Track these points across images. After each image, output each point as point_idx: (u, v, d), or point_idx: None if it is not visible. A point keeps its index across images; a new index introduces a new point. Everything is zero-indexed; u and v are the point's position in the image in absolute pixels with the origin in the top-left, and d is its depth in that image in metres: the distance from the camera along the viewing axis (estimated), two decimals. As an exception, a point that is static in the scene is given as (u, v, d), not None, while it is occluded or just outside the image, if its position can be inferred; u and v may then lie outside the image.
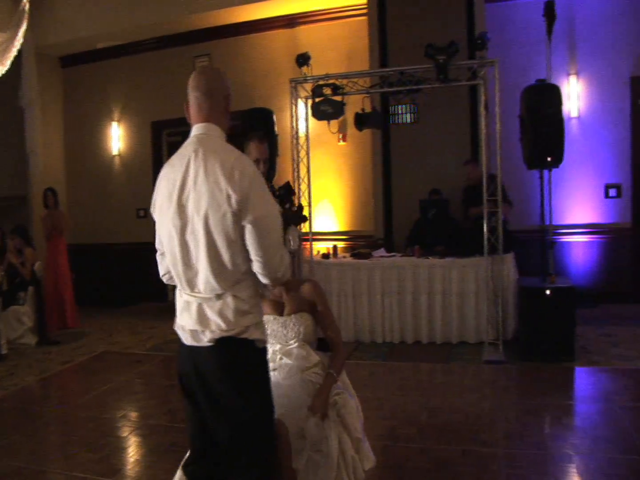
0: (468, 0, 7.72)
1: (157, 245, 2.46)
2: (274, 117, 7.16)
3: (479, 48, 6.10)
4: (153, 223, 2.40)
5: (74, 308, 8.69)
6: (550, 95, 5.99)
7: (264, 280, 2.27)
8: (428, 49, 6.10)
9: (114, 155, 10.34)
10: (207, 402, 2.31)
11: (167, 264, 2.39)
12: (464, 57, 6.90)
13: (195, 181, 2.21)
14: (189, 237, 2.24)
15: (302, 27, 9.13)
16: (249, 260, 2.24)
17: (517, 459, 3.88)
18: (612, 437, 4.17)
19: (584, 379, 5.65)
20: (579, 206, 8.03)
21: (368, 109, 7.00)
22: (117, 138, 10.31)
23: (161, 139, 10.21)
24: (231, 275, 2.22)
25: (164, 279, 2.53)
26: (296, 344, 3.03)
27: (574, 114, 7.85)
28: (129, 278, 10.07)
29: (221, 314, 2.23)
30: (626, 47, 7.86)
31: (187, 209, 2.22)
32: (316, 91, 6.78)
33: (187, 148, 2.30)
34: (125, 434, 4.64)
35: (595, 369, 5.68)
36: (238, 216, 2.15)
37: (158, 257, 2.49)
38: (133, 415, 5.13)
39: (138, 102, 10.17)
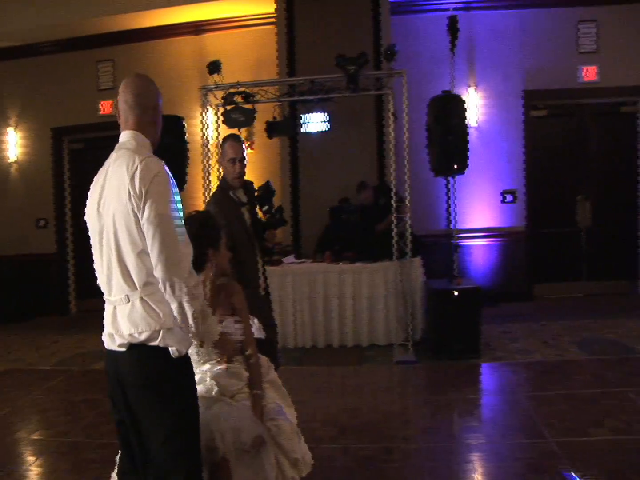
0: (375, 12, 7.97)
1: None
2: (184, 125, 7.10)
3: (388, 59, 6.31)
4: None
5: None
6: (456, 106, 6.32)
7: (159, 279, 2.17)
8: (338, 59, 6.27)
9: (11, 163, 9.87)
10: (125, 410, 2.28)
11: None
12: (370, 67, 7.11)
13: (109, 185, 2.25)
14: (104, 241, 2.27)
15: (210, 34, 9.12)
16: None
17: (436, 452, 4.09)
18: (519, 425, 4.49)
19: (490, 374, 5.98)
20: (478, 211, 8.46)
21: (278, 117, 7.08)
22: (14, 144, 9.86)
23: (62, 146, 9.86)
24: (138, 277, 2.20)
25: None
26: (221, 364, 2.86)
27: (473, 123, 8.26)
28: (25, 291, 9.64)
29: (130, 318, 2.20)
30: (520, 62, 8.43)
31: (102, 213, 2.27)
32: (227, 99, 6.81)
33: (111, 156, 2.35)
34: (41, 454, 4.44)
35: (500, 364, 6.03)
36: (137, 213, 2.16)
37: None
38: (47, 433, 4.88)
39: (37, 107, 9.76)
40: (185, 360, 2.30)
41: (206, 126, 7.31)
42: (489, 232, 8.54)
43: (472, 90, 8.43)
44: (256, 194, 4.21)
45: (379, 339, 6.84)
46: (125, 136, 2.36)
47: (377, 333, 6.85)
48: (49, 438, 4.76)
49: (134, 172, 2.17)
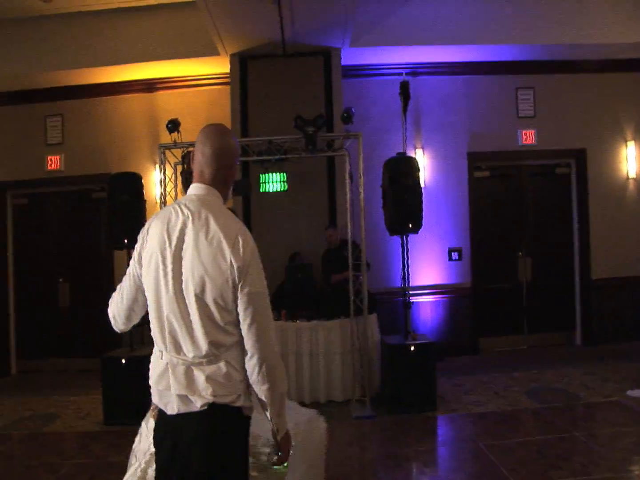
0: (327, 75, 8.29)
1: (127, 299, 2.39)
2: (142, 182, 7.14)
3: (345, 121, 6.56)
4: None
5: None
6: (410, 167, 6.60)
7: (251, 354, 2.20)
8: (297, 121, 6.48)
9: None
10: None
11: (151, 321, 2.29)
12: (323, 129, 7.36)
13: (196, 242, 2.19)
14: (181, 298, 2.19)
15: (162, 92, 9.20)
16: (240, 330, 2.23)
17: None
18: (484, 472, 4.70)
19: (447, 425, 6.12)
20: (426, 269, 8.74)
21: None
22: (-46, 199, 9.60)
23: (6, 201, 9.64)
24: (225, 341, 2.19)
25: (116, 324, 2.46)
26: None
27: (421, 184, 8.56)
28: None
29: (213, 381, 2.17)
30: (463, 126, 8.92)
31: (182, 270, 2.20)
32: (186, 157, 6.91)
33: (186, 205, 2.28)
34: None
35: (456, 415, 6.22)
36: (237, 285, 2.16)
37: (124, 311, 2.42)
38: None
39: (-20, 161, 9.57)
40: (249, 418, 2.30)
41: (163, 183, 7.33)
42: (436, 288, 8.82)
43: (419, 151, 8.81)
44: None
45: (336, 395, 6.88)
46: (201, 189, 2.33)
47: (334, 389, 6.89)
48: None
49: (236, 241, 2.18)
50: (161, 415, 2.29)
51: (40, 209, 9.79)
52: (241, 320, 2.19)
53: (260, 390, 2.22)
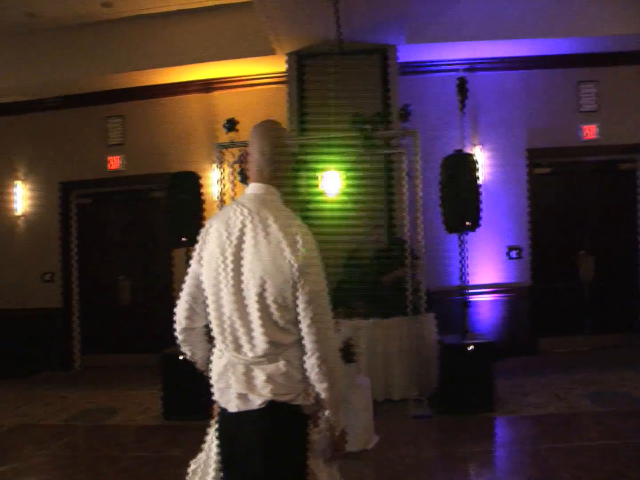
0: (383, 72, 8.26)
1: (188, 297, 2.39)
2: (200, 181, 7.24)
3: (403, 118, 6.54)
4: (183, 272, 2.36)
5: None
6: (468, 164, 6.51)
7: (311, 353, 2.19)
8: (355, 119, 6.47)
9: (18, 216, 9.92)
10: (242, 476, 2.24)
11: (212, 321, 2.30)
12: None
13: (255, 241, 2.19)
14: (241, 297, 2.20)
15: (219, 92, 9.33)
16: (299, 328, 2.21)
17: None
18: (541, 476, 4.57)
19: (505, 427, 6.03)
20: (484, 267, 8.60)
21: (290, 175, 7.22)
22: (21, 198, 9.93)
23: (70, 201, 9.96)
24: (284, 340, 2.19)
25: (182, 335, 2.45)
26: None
27: (479, 181, 8.45)
28: (31, 345, 9.58)
29: (273, 379, 2.17)
30: (522, 122, 8.74)
31: (242, 269, 2.20)
32: (243, 156, 6.95)
33: (245, 205, 2.28)
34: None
35: (514, 417, 6.07)
36: (296, 284, 2.15)
37: (185, 309, 2.40)
38: None
39: (45, 161, 9.87)
40: (309, 416, 2.30)
41: (221, 182, 7.42)
42: (494, 287, 8.68)
43: (477, 148, 8.68)
44: None
45: (394, 394, 6.85)
46: (259, 188, 2.32)
47: (391, 388, 6.87)
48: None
49: (295, 240, 2.17)
50: (222, 413, 2.30)
51: (102, 208, 10.07)
52: (301, 319, 2.18)
53: (319, 387, 2.21)
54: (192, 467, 2.53)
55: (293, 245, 2.16)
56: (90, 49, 8.97)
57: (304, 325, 2.18)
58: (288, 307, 2.17)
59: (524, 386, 7.14)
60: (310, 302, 2.16)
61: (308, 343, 2.19)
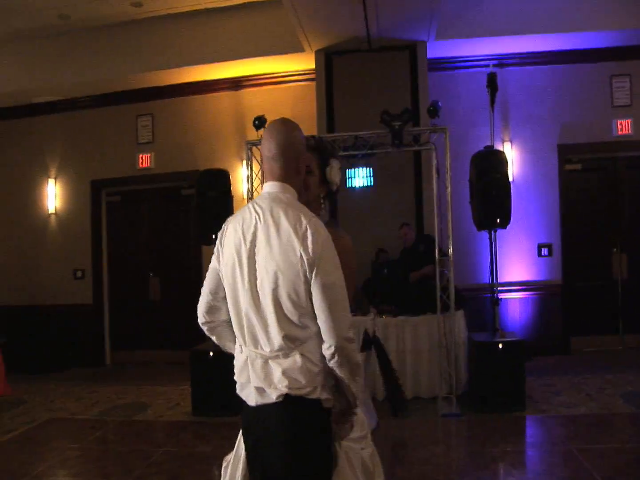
0: (412, 68, 8.23)
1: (207, 293, 2.44)
2: (229, 178, 7.27)
3: (432, 115, 6.48)
4: (203, 270, 2.40)
5: (4, 374, 8.10)
6: (498, 161, 6.44)
7: (329, 345, 2.18)
8: (384, 116, 6.44)
9: (50, 214, 10.08)
10: (264, 470, 2.25)
11: (231, 317, 2.35)
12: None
13: (267, 239, 2.20)
14: (256, 294, 2.22)
15: (248, 89, 9.37)
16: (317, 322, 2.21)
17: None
18: (574, 477, 4.48)
19: (536, 426, 5.93)
20: (514, 265, 8.51)
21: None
22: (53, 196, 10.08)
23: (100, 198, 10.07)
24: (300, 334, 2.20)
25: (205, 327, 2.50)
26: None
27: (509, 178, 8.36)
28: (62, 341, 9.70)
29: (290, 373, 2.19)
30: (553, 117, 8.61)
31: (257, 266, 2.23)
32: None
33: (258, 204, 2.30)
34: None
35: (546, 416, 5.98)
36: (309, 278, 2.15)
37: (203, 305, 2.46)
38: None
39: (77, 159, 10.01)
40: (331, 410, 2.30)
41: (250, 180, 7.44)
42: (524, 285, 8.58)
43: (507, 145, 8.59)
44: None
45: (423, 392, 6.83)
46: (273, 187, 2.33)
47: (420, 386, 6.85)
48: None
49: (305, 235, 2.16)
50: (244, 407, 2.34)
51: (132, 205, 10.17)
52: (316, 312, 2.18)
53: (337, 370, 2.22)
54: (224, 463, 2.55)
55: (303, 239, 2.15)
56: (121, 49, 9.08)
57: (320, 319, 2.18)
58: (301, 302, 2.17)
59: (556, 385, 7.04)
60: (322, 295, 2.15)
61: (324, 335, 2.19)
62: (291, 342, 2.19)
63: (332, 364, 2.20)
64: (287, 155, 2.33)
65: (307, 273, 2.14)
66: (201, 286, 2.48)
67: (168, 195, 9.97)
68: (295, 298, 2.17)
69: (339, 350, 2.17)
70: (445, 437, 5.78)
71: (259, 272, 2.22)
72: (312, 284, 2.15)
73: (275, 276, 2.17)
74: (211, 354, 6.49)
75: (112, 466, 5.27)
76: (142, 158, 9.76)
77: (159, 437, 6.21)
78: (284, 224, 2.19)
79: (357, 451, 2.41)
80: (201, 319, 2.49)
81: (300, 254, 2.14)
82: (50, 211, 10.11)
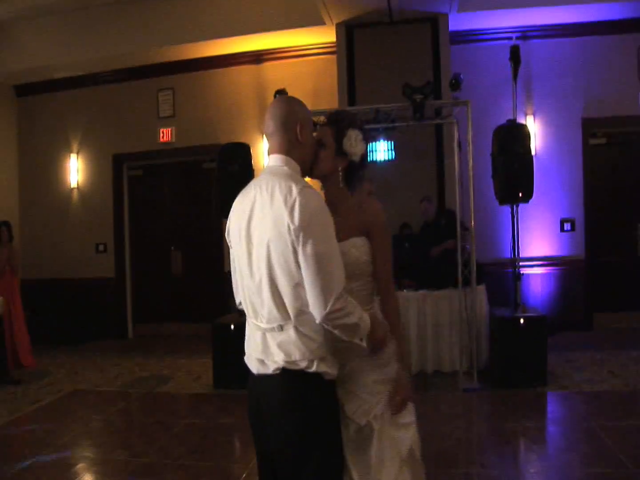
0: (434, 41, 8.13)
1: (233, 272, 2.48)
2: (251, 152, 7.24)
3: (454, 88, 6.39)
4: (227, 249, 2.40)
5: (29, 346, 8.35)
6: (520, 135, 6.36)
7: (314, 317, 2.13)
8: (405, 89, 6.37)
9: (73, 188, 10.17)
10: (267, 439, 2.27)
11: (239, 289, 2.41)
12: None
13: (262, 212, 2.21)
14: (254, 267, 2.24)
15: (269, 63, 9.32)
16: None
17: (519, 478, 4.10)
18: (595, 454, 4.42)
19: (558, 403, 5.91)
20: (536, 240, 8.44)
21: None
22: (75, 170, 10.15)
23: (122, 173, 10.13)
24: (293, 307, 2.17)
25: (240, 307, 2.50)
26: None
27: (532, 152, 8.26)
28: (85, 314, 9.86)
29: (284, 346, 2.19)
30: (577, 91, 8.45)
31: (252, 239, 2.25)
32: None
33: (259, 179, 2.32)
34: (119, 475, 4.51)
35: (567, 393, 5.96)
36: (296, 247, 2.12)
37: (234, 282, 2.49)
38: (125, 454, 4.92)
39: (98, 134, 10.07)
40: (334, 382, 2.29)
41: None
42: (547, 260, 8.52)
43: (529, 118, 8.46)
44: None
45: (444, 366, 6.85)
46: (273, 160, 2.34)
47: (441, 360, 6.86)
48: (127, 458, 4.83)
49: (293, 204, 2.11)
50: (249, 374, 2.37)
51: (154, 179, 10.21)
52: (305, 283, 2.13)
53: (336, 333, 2.17)
54: None
55: (291, 209, 2.11)
56: (142, 23, 9.07)
57: (309, 291, 2.12)
58: (292, 272, 2.15)
59: (578, 361, 7.01)
60: (309, 264, 2.10)
61: (314, 310, 2.13)
62: (286, 314, 2.19)
63: (328, 329, 2.18)
64: (285, 127, 2.31)
65: (294, 242, 2.11)
66: (222, 260, 2.51)
67: (189, 169, 9.99)
68: (286, 268, 2.15)
69: (324, 322, 2.13)
70: (465, 412, 5.77)
71: (255, 244, 2.24)
72: (300, 253, 2.12)
73: (267, 247, 2.18)
74: (232, 326, 6.52)
75: (135, 437, 5.37)
76: (163, 132, 9.77)
77: (181, 409, 6.29)
78: (277, 195, 2.18)
79: (403, 439, 2.42)
80: (237, 299, 2.51)
81: (288, 223, 2.11)
82: (72, 186, 10.19)
